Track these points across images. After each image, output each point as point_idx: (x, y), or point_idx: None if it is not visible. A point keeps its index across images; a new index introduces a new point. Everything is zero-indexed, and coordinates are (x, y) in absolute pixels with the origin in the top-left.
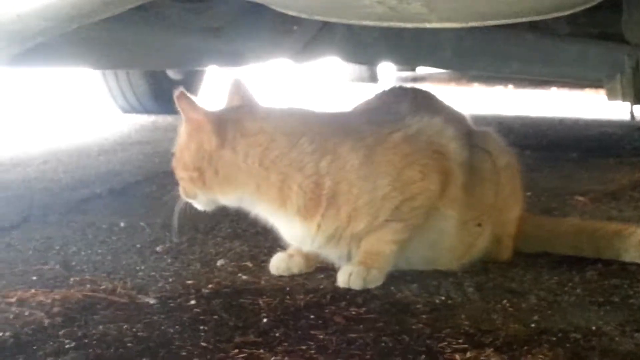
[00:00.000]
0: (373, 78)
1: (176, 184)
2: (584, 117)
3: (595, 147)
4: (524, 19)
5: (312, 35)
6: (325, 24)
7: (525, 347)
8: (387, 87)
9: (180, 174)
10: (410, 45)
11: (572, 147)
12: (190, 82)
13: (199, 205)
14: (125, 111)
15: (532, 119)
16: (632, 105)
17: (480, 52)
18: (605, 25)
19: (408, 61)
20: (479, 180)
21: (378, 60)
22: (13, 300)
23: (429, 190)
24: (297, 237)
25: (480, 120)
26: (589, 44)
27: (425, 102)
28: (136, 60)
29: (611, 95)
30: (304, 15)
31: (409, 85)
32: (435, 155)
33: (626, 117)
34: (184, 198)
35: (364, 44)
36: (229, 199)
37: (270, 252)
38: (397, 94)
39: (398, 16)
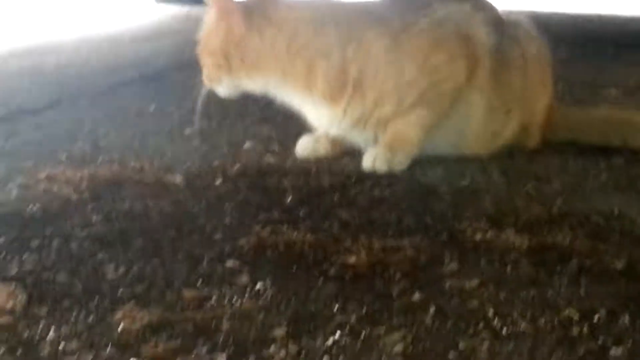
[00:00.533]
0: None
1: None
2: (622, 15)
3: (633, 44)
4: None
5: None
6: None
7: (546, 228)
8: None
9: (206, 59)
10: None
11: (608, 43)
12: None
13: (223, 90)
14: (159, 0)
15: (569, 16)
16: None
17: None
18: None
19: None
20: (507, 68)
21: None
22: (42, 177)
23: (456, 76)
24: (324, 121)
25: (515, 15)
26: None
27: None
28: None
29: None
30: None
31: None
32: (463, 40)
33: None
34: (208, 84)
35: None
36: (256, 84)
37: (298, 137)
38: None
39: None
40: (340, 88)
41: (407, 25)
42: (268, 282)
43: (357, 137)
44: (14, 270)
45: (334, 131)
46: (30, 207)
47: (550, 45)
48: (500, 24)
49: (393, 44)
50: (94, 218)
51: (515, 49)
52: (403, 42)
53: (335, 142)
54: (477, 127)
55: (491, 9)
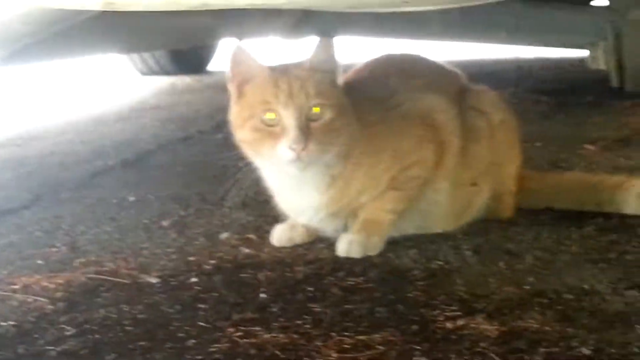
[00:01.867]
0: None
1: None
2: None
3: (614, 89)
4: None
5: (302, 14)
6: None
7: (517, 312)
8: (375, 56)
9: None
10: (398, 20)
11: (590, 90)
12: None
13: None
14: (144, 74)
15: (553, 61)
16: (614, 72)
17: (469, 24)
18: None
19: (397, 35)
20: (473, 140)
21: (368, 35)
22: (18, 286)
23: (425, 160)
24: (301, 208)
25: (499, 65)
26: (574, 10)
27: (414, 70)
28: (156, 42)
29: (593, 63)
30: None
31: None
32: (429, 127)
33: None
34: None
35: (354, 20)
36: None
37: (274, 223)
38: (387, 63)
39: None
40: (332, 178)
41: (380, 116)
42: None
43: (328, 225)
44: None
45: (308, 220)
46: (5, 324)
47: (532, 97)
48: (464, 95)
49: (370, 137)
50: (68, 332)
51: (479, 119)
52: (378, 133)
53: (309, 229)
54: (443, 209)
55: (452, 81)
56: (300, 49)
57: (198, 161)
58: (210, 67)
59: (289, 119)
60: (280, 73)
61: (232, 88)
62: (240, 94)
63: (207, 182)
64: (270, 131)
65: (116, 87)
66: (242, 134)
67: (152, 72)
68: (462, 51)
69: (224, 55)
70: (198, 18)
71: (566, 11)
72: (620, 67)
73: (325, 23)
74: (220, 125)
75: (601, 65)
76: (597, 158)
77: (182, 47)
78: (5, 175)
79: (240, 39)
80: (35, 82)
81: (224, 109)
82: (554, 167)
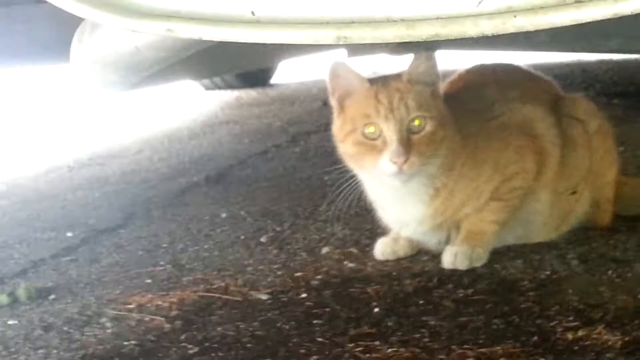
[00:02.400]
0: None
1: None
2: None
3: None
4: None
5: None
6: None
7: (637, 321)
8: (469, 66)
9: None
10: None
11: None
12: None
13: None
14: (208, 88)
15: (618, 63)
16: None
17: (577, 32)
18: None
19: (503, 47)
20: (571, 149)
21: (472, 49)
22: (133, 306)
23: (526, 170)
24: (405, 221)
25: (564, 68)
26: None
27: (509, 79)
28: (234, 65)
29: None
30: None
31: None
32: (529, 138)
33: None
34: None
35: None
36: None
37: (372, 236)
38: (481, 73)
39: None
40: (439, 190)
41: (479, 128)
42: None
43: (431, 238)
44: None
45: (411, 232)
46: (127, 344)
47: (603, 101)
48: (559, 103)
49: (472, 149)
50: (191, 350)
51: (576, 127)
52: (479, 145)
53: (412, 242)
54: (543, 218)
55: (547, 89)
56: (404, 63)
57: (280, 175)
58: (273, 80)
59: (390, 132)
60: (380, 86)
61: (333, 102)
62: (342, 107)
63: (294, 196)
64: (371, 145)
65: (182, 103)
66: (345, 148)
67: (216, 87)
68: (522, 56)
69: (287, 67)
70: None
71: None
72: None
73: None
74: (296, 139)
75: None
76: None
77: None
78: (94, 194)
79: (349, 55)
80: (102, 102)
81: (295, 122)
82: None
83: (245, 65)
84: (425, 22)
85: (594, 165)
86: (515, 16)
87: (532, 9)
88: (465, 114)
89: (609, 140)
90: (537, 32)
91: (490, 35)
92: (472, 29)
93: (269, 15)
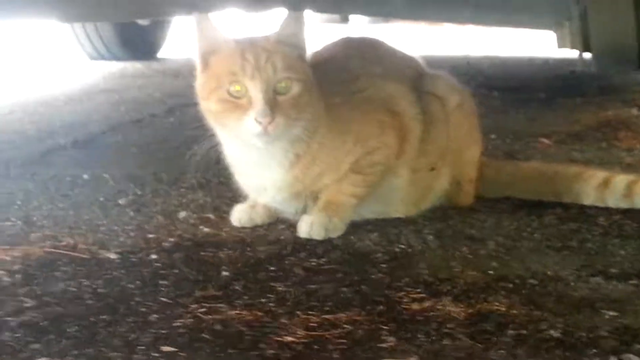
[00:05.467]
0: (344, 19)
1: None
2: (553, 57)
3: (563, 87)
4: None
5: None
6: None
7: (482, 295)
8: (337, 39)
9: None
10: None
11: (540, 87)
12: (158, 27)
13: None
14: (93, 58)
15: (502, 59)
16: (580, 52)
17: (431, 0)
18: None
19: (361, 10)
20: (430, 125)
21: (334, 10)
22: None
23: (387, 145)
24: (263, 187)
25: (449, 61)
26: None
27: (374, 54)
28: (104, 12)
29: (561, 43)
30: None
31: (357, 35)
32: (391, 114)
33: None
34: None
35: None
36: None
37: (232, 204)
38: (347, 46)
39: None
40: (298, 157)
41: (344, 100)
42: None
43: (289, 206)
44: None
45: (270, 199)
46: None
47: (484, 92)
48: (421, 80)
49: (335, 119)
50: (27, 304)
51: (435, 103)
52: (342, 116)
53: (269, 210)
54: (401, 194)
55: (411, 65)
56: (265, 23)
57: (151, 143)
58: (160, 53)
59: (256, 91)
60: (247, 45)
61: (197, 58)
62: (206, 64)
63: (161, 163)
64: (236, 103)
65: (65, 71)
66: (208, 105)
67: (101, 57)
68: (410, 46)
69: (175, 41)
70: None
71: None
72: (587, 47)
73: None
74: (173, 109)
75: (567, 45)
76: (552, 151)
77: (138, 19)
78: None
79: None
80: None
81: (176, 94)
82: (510, 158)
83: (111, 15)
84: None
85: (455, 142)
86: None
87: None
88: (330, 85)
89: (471, 120)
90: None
91: None
92: None
93: None
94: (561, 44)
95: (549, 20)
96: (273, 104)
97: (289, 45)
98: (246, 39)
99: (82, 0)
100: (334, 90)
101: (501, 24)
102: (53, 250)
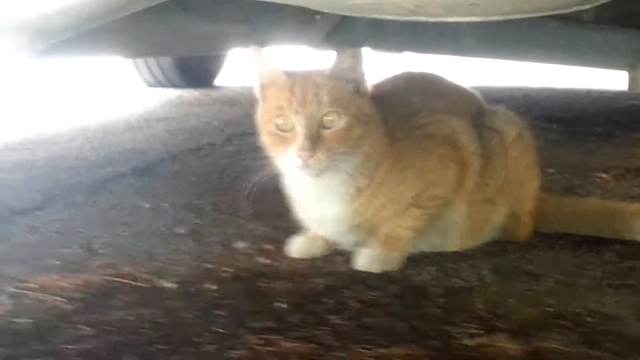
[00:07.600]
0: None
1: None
2: (611, 89)
3: (621, 121)
4: (546, 13)
5: (334, 24)
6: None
7: (539, 332)
8: (397, 73)
9: None
10: (432, 34)
11: (597, 121)
12: (215, 55)
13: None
14: (151, 85)
15: (559, 91)
16: None
17: (503, 39)
18: (630, 12)
19: (430, 49)
20: (488, 159)
21: (401, 49)
22: (35, 285)
23: (448, 180)
24: (323, 219)
25: (505, 92)
26: (612, 31)
27: (435, 89)
28: (165, 48)
29: (633, 85)
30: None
31: (417, 70)
32: (451, 148)
33: None
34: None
35: (387, 33)
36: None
37: (289, 234)
38: (408, 80)
39: (419, 12)
40: (361, 190)
41: (406, 134)
42: None
43: (348, 239)
44: None
45: (329, 232)
46: (22, 321)
47: (542, 125)
48: (481, 115)
49: (398, 154)
50: (86, 332)
51: (494, 137)
52: (404, 151)
53: (327, 242)
54: (459, 228)
55: (470, 101)
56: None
57: (210, 172)
58: (217, 81)
59: (299, 126)
60: (299, 79)
61: (257, 89)
62: (264, 97)
63: (220, 193)
64: (283, 137)
65: (123, 97)
66: (262, 137)
67: (159, 84)
68: (468, 78)
69: (231, 69)
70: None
71: (604, 32)
72: None
73: (357, 34)
74: (231, 138)
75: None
76: (611, 186)
77: (209, 53)
78: (17, 176)
79: (265, 45)
80: (44, 87)
81: (233, 123)
82: (569, 193)
83: (173, 51)
84: None
85: (513, 175)
86: None
87: None
88: (391, 119)
89: (529, 153)
90: (464, 38)
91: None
92: None
93: None
94: (632, 87)
95: (622, 61)
96: (315, 139)
97: (342, 79)
98: (300, 72)
99: (145, 38)
100: (396, 125)
101: (575, 63)
102: (113, 278)
